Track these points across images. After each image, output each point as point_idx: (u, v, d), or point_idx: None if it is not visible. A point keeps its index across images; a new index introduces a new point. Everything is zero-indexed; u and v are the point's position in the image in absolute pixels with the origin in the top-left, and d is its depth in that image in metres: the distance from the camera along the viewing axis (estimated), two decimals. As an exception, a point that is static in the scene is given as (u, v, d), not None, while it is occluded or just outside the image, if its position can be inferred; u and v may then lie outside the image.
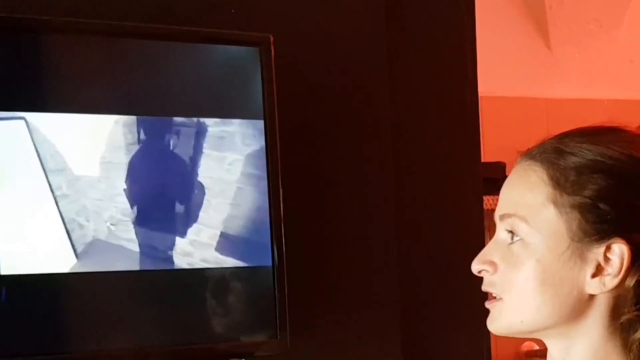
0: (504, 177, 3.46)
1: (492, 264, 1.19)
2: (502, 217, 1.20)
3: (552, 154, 1.17)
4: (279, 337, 1.92)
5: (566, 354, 1.19)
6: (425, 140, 2.29)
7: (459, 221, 2.29)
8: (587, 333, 1.17)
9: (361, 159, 2.20)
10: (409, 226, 2.24)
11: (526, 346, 3.19)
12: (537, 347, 3.15)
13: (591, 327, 1.17)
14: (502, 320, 1.19)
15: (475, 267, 1.21)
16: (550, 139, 1.20)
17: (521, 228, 1.17)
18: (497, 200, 2.99)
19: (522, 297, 1.16)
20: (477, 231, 2.30)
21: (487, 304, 1.21)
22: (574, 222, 1.14)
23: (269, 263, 1.93)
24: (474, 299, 2.29)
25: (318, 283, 2.12)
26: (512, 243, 1.18)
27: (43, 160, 1.77)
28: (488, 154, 2.79)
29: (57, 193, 1.78)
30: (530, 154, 1.20)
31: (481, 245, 2.30)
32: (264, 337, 1.94)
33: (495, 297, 1.20)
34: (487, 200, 2.62)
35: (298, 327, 1.97)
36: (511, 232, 1.18)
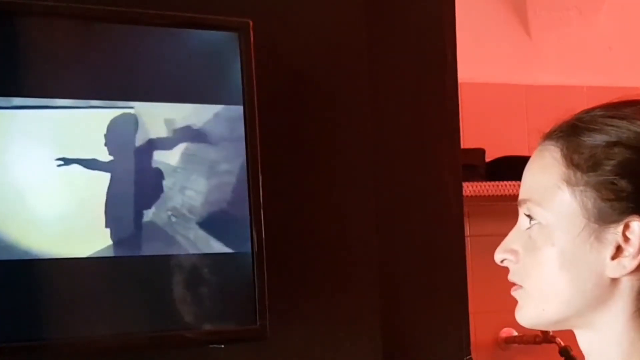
0: (484, 163, 3.48)
1: (514, 252, 1.13)
2: (520, 203, 1.14)
3: (567, 131, 1.11)
4: (258, 323, 1.92)
5: (589, 345, 1.12)
6: (405, 126, 2.29)
7: (439, 207, 2.29)
8: (613, 322, 1.09)
9: (341, 145, 2.19)
10: (388, 212, 2.24)
11: (505, 332, 3.19)
12: (516, 333, 3.16)
13: (617, 316, 1.09)
14: (526, 310, 1.13)
15: (497, 256, 1.14)
16: (570, 116, 1.13)
17: (536, 211, 1.11)
18: (476, 186, 2.98)
19: (541, 283, 1.10)
20: (456, 217, 2.31)
21: (512, 292, 1.14)
22: (589, 201, 1.07)
23: (249, 249, 1.93)
24: (454, 285, 2.30)
25: (297, 269, 2.11)
26: (529, 228, 1.12)
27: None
28: (467, 141, 2.79)
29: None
30: (548, 134, 1.13)
31: (461, 231, 2.32)
32: (244, 324, 1.94)
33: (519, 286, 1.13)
34: (466, 186, 2.62)
35: (277, 314, 1.97)
36: (529, 216, 1.12)
